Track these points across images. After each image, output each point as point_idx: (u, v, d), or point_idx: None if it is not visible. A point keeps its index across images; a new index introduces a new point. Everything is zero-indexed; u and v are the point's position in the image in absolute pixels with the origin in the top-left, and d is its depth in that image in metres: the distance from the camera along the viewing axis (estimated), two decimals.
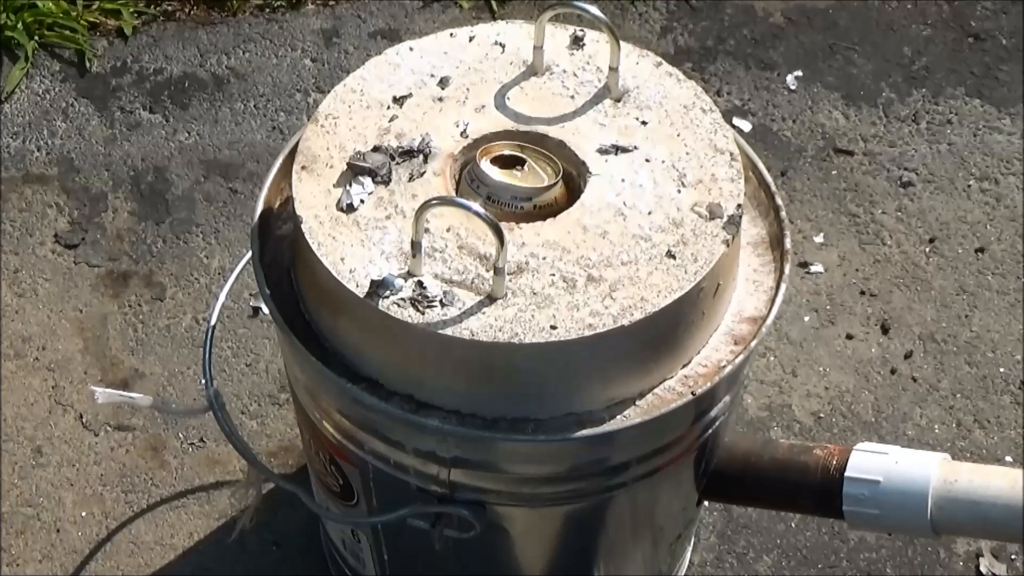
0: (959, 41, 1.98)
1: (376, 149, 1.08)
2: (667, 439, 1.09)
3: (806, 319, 1.69)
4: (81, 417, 1.60)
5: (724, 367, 1.05)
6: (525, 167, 1.07)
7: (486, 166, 1.06)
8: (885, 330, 1.68)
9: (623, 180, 1.07)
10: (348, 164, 1.07)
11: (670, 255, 1.03)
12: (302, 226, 1.04)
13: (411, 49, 1.15)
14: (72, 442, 1.58)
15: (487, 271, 1.01)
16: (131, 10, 1.96)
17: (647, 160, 1.08)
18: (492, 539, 1.16)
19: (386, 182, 1.06)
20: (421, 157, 1.08)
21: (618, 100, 1.12)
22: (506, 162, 1.07)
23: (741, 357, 1.05)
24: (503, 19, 1.61)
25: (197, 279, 1.71)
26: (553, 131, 1.10)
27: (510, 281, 1.01)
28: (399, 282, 1.00)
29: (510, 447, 1.05)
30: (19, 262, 1.72)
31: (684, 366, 1.07)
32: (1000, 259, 1.75)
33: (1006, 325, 1.69)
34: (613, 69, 1.11)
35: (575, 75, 1.13)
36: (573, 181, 1.08)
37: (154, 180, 1.80)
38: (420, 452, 1.07)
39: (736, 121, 1.86)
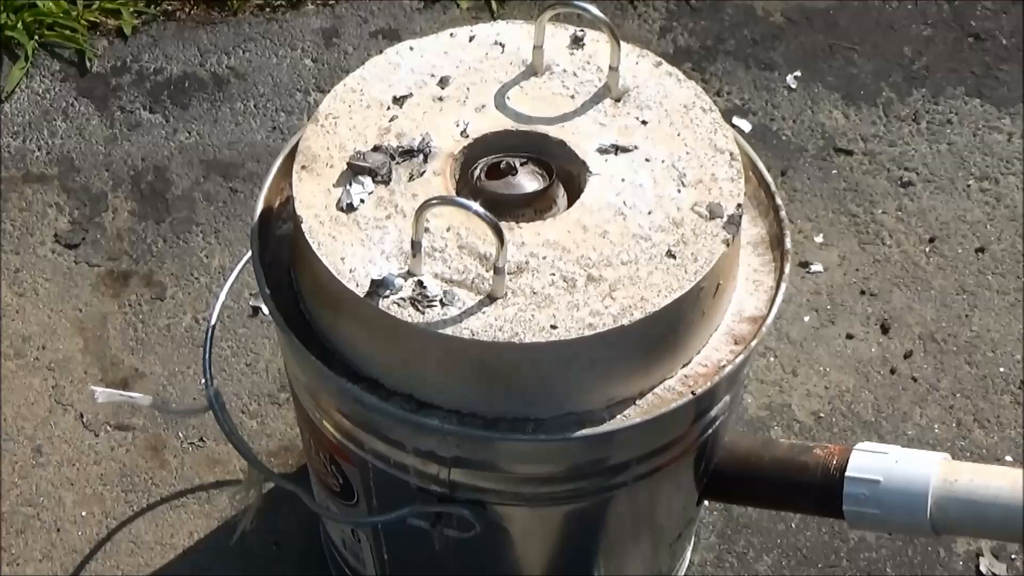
0: (959, 41, 1.98)
1: (376, 149, 1.08)
2: (667, 439, 1.09)
3: (806, 319, 1.69)
4: (81, 417, 1.60)
5: (724, 367, 1.05)
6: (519, 174, 1.07)
7: (482, 181, 1.06)
8: (885, 330, 1.68)
9: (623, 180, 1.07)
10: (348, 164, 1.07)
11: (670, 255, 1.03)
12: (302, 226, 1.04)
13: (411, 49, 1.15)
14: (72, 442, 1.58)
15: (487, 271, 1.01)
16: (131, 10, 1.97)
17: (647, 160, 1.08)
18: (492, 539, 1.16)
19: (386, 182, 1.06)
20: (421, 157, 1.08)
21: (618, 100, 1.12)
22: (498, 173, 1.07)
23: (741, 357, 1.05)
24: (503, 19, 1.61)
25: (197, 279, 1.71)
26: (553, 131, 1.10)
27: (510, 281, 1.01)
28: (399, 282, 1.00)
29: (510, 447, 1.05)
30: (19, 262, 1.72)
31: (684, 366, 1.06)
32: (1000, 259, 1.75)
33: (1006, 325, 1.69)
34: (613, 69, 1.11)
35: (575, 75, 1.13)
36: (573, 181, 1.08)
37: (154, 180, 1.81)
38: (420, 452, 1.07)
39: (736, 121, 1.86)
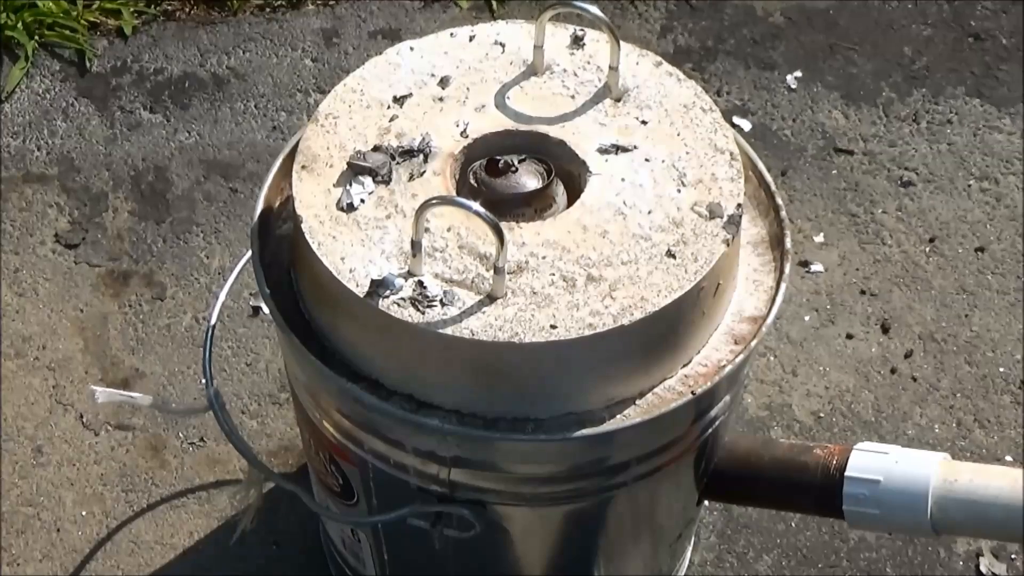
0: (959, 41, 1.98)
1: (376, 149, 1.08)
2: (667, 439, 1.09)
3: (806, 319, 1.69)
4: (81, 417, 1.60)
5: (724, 367, 1.05)
6: (519, 173, 1.07)
7: (482, 180, 1.06)
8: (885, 330, 1.68)
9: (623, 179, 1.07)
10: (348, 164, 1.07)
11: (670, 255, 1.03)
12: (302, 225, 1.04)
13: (411, 49, 1.15)
14: (72, 441, 1.58)
15: (487, 270, 1.01)
16: (131, 10, 1.97)
17: (647, 160, 1.08)
18: (492, 539, 1.16)
19: (386, 182, 1.06)
20: (421, 157, 1.08)
21: (618, 100, 1.12)
22: (497, 170, 1.07)
23: (741, 357, 1.05)
24: (503, 19, 1.61)
25: (197, 279, 1.71)
26: (553, 131, 1.10)
27: (510, 280, 1.01)
28: (399, 282, 1.00)
29: (510, 447, 1.05)
30: (19, 262, 1.72)
31: (684, 366, 1.06)
32: (1000, 259, 1.75)
33: (1006, 325, 1.69)
34: (613, 69, 1.11)
35: (575, 75, 1.13)
36: (573, 181, 1.08)
37: (154, 180, 1.81)
38: (420, 451, 1.07)
39: (736, 121, 1.86)
